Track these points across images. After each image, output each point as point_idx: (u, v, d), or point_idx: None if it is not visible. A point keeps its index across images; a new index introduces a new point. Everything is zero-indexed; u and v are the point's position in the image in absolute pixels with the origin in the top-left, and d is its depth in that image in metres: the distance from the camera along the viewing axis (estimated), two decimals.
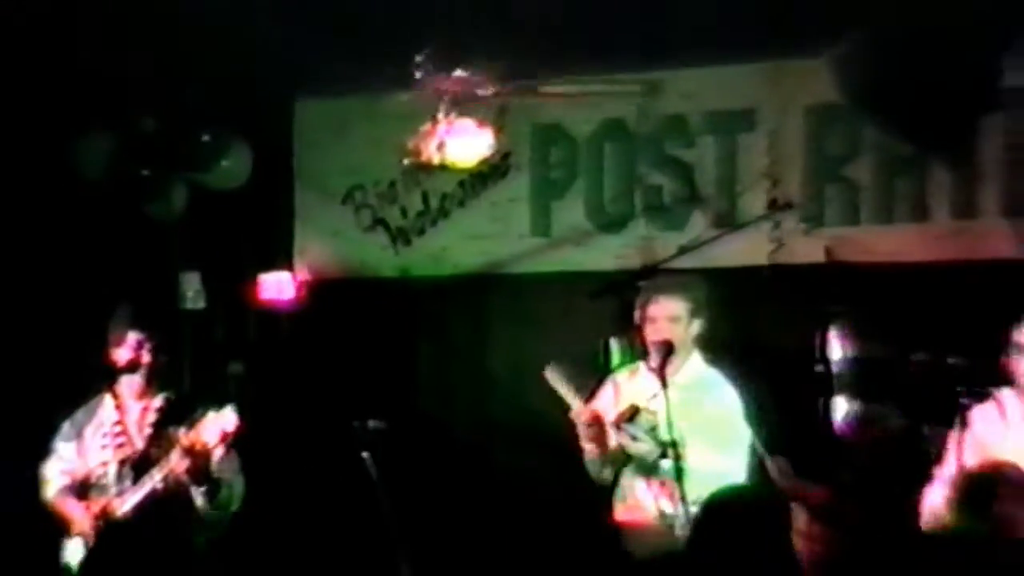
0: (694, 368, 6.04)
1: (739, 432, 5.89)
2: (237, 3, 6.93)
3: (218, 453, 5.85)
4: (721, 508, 4.27)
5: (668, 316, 5.97)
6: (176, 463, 5.79)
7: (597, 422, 5.94)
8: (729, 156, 7.45)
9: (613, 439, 5.94)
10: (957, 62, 6.03)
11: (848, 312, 6.68)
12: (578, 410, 5.97)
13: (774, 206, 7.11)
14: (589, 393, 6.07)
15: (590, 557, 6.22)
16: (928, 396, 6.07)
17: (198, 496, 5.79)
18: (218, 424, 5.80)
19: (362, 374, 7.52)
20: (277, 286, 7.91)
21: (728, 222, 7.27)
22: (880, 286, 6.85)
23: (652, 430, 5.84)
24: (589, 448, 5.98)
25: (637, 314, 6.13)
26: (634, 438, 5.88)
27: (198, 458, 5.77)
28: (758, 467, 5.85)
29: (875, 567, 5.70)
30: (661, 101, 7.49)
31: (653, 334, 5.98)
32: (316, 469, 7.36)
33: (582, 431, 5.97)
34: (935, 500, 5.51)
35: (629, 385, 6.12)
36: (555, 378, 5.96)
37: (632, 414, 5.89)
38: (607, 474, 6.01)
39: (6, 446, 6.76)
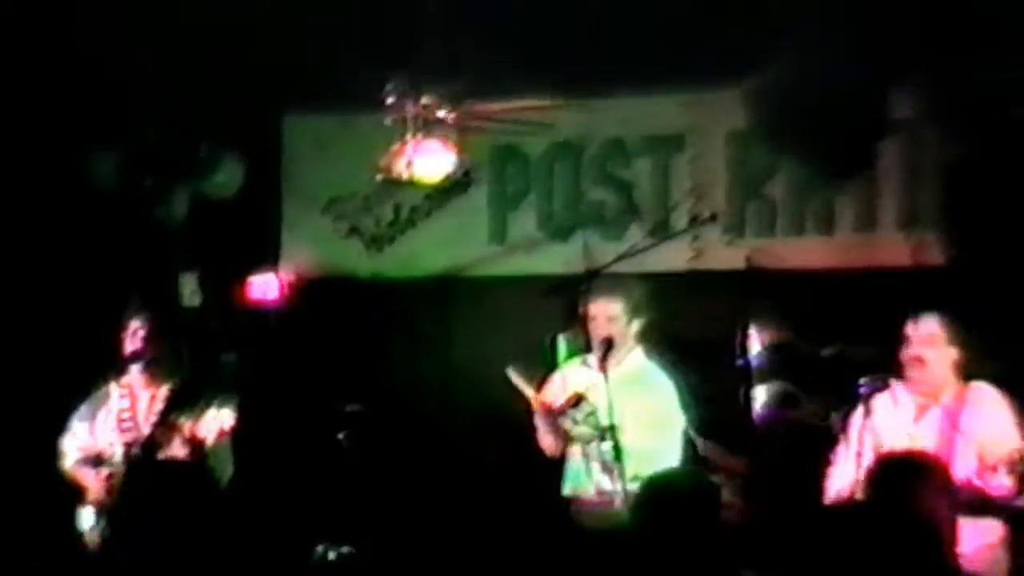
0: (635, 361, 6.16)
1: (674, 417, 6.06)
2: (234, 31, 6.99)
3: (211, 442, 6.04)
4: (658, 489, 4.32)
5: (608, 315, 6.10)
6: (177, 452, 5.96)
7: (546, 409, 6.10)
8: (662, 175, 7.61)
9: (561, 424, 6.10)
10: (855, 97, 6.10)
11: (765, 312, 6.78)
12: (531, 399, 6.09)
13: (700, 219, 7.22)
14: (540, 384, 6.19)
15: (542, 528, 6.33)
16: (834, 385, 6.20)
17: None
18: (217, 421, 6.00)
19: (340, 365, 7.59)
20: (265, 286, 7.98)
21: (661, 232, 7.39)
22: (793, 290, 6.98)
23: (592, 415, 5.97)
24: (542, 432, 6.14)
25: (581, 313, 6.26)
26: (575, 422, 6.00)
27: (196, 448, 5.96)
28: (690, 447, 6.06)
29: (784, 533, 5.70)
30: (602, 126, 7.68)
31: (595, 330, 6.12)
32: (299, 448, 7.41)
33: (536, 418, 6.12)
34: (837, 477, 5.67)
35: (575, 376, 6.23)
36: (515, 374, 6.07)
37: (576, 401, 6.02)
38: (557, 453, 6.15)
39: (32, 422, 6.84)
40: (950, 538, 4.33)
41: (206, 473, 5.57)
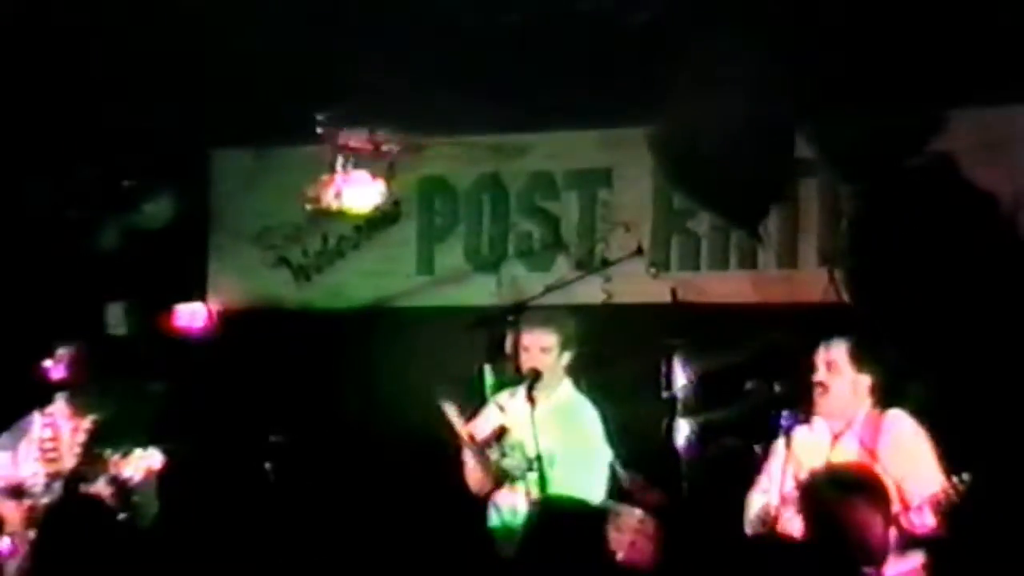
0: (564, 392, 6.09)
1: (600, 449, 5.98)
2: (167, 67, 6.92)
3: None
4: (549, 515, 4.34)
5: (541, 346, 6.00)
6: (102, 489, 5.83)
7: (474, 442, 6.00)
8: (589, 208, 7.57)
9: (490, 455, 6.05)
10: (758, 142, 6.12)
11: (690, 345, 6.68)
12: (461, 432, 5.97)
13: (627, 253, 7.08)
14: (471, 415, 6.11)
15: (465, 555, 6.16)
16: (756, 418, 6.02)
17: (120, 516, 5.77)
18: (146, 461, 5.89)
19: (266, 396, 7.48)
20: (191, 316, 7.95)
21: (587, 265, 7.33)
22: (717, 324, 6.93)
23: (518, 447, 5.88)
24: (470, 466, 6.03)
25: (510, 344, 6.18)
26: (503, 454, 5.93)
27: (122, 488, 5.83)
28: (614, 479, 5.96)
29: (703, 561, 5.48)
30: (530, 160, 7.65)
31: (527, 362, 6.02)
32: (225, 480, 7.19)
33: (464, 452, 6.01)
34: (757, 505, 5.61)
35: (507, 407, 6.14)
36: (447, 406, 5.97)
37: (500, 433, 5.95)
38: (486, 485, 6.00)
39: None
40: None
41: (131, 513, 5.75)
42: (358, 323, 7.82)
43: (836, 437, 5.57)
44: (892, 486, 5.22)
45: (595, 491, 5.81)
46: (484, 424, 6.13)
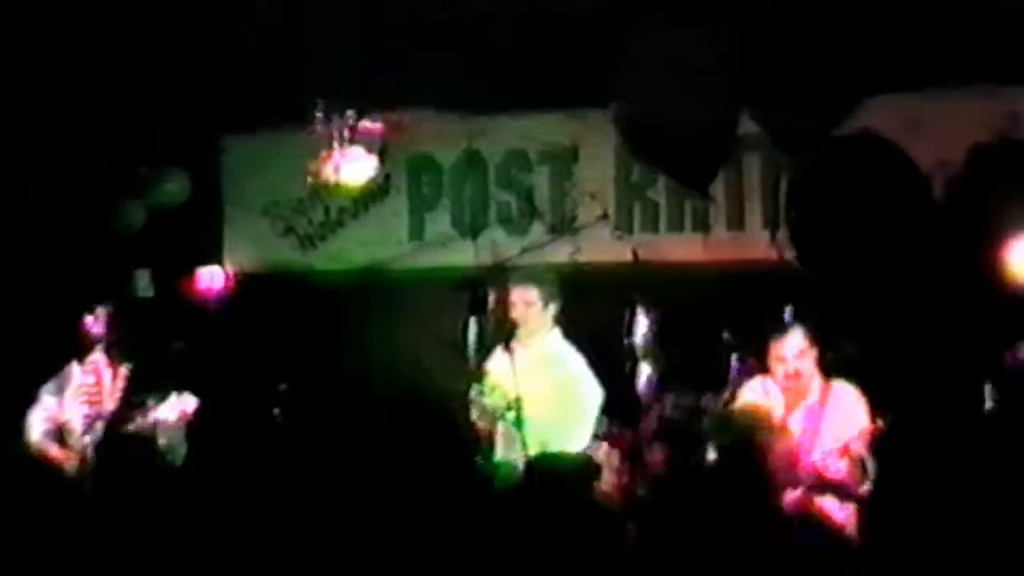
0: (551, 341, 6.12)
1: (586, 393, 6.00)
2: (180, 63, 7.02)
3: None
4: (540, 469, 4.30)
5: (525, 300, 6.07)
6: (143, 427, 6.00)
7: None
8: (559, 180, 7.70)
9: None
10: (707, 117, 6.15)
11: (650, 299, 6.58)
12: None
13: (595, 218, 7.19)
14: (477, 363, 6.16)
15: (457, 508, 5.93)
16: (708, 365, 6.21)
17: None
18: (180, 405, 6.07)
19: (276, 349, 7.47)
20: (210, 279, 7.97)
21: (560, 230, 7.42)
22: (675, 280, 6.98)
23: (497, 388, 5.90)
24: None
25: (492, 300, 6.14)
26: (482, 394, 5.96)
27: (156, 428, 5.94)
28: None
29: (669, 497, 5.71)
30: (506, 139, 7.74)
31: (513, 315, 6.06)
32: (239, 423, 6.59)
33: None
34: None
35: (502, 354, 6.11)
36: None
37: (481, 376, 6.00)
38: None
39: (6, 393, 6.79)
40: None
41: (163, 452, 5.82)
42: (357, 284, 7.89)
43: (789, 408, 5.60)
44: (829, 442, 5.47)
45: (583, 431, 5.86)
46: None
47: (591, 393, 6.00)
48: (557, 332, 6.16)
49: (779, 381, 5.63)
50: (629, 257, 6.92)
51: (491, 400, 5.94)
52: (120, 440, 5.79)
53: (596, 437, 5.94)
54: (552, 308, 6.13)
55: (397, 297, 7.78)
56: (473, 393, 5.99)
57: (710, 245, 7.33)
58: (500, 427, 5.91)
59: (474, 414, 5.93)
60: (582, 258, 7.29)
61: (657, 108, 6.22)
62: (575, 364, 6.08)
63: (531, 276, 6.25)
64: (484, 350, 6.18)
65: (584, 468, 4.51)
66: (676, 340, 6.63)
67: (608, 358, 6.51)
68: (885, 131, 6.56)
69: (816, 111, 6.25)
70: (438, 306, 7.14)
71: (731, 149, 6.78)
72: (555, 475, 4.07)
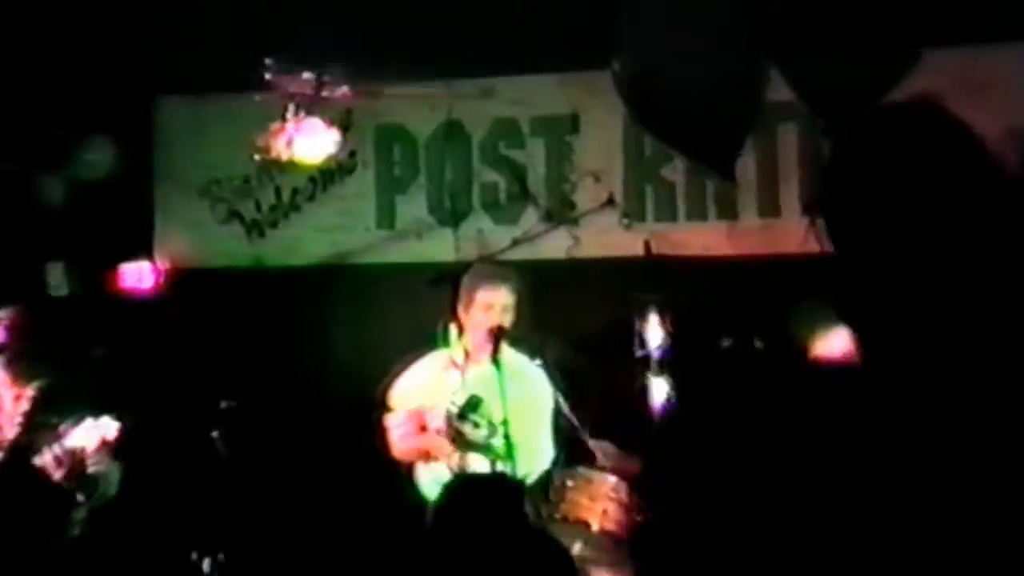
0: (508, 353, 5.99)
1: (545, 409, 5.96)
2: (101, 6, 6.94)
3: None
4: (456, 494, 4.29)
5: (503, 304, 5.98)
6: (52, 468, 5.65)
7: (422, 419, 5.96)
8: (557, 157, 7.55)
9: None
10: (731, 80, 5.84)
11: (665, 301, 6.61)
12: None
13: (600, 203, 7.14)
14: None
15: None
16: (737, 378, 6.17)
17: (78, 495, 5.72)
18: (98, 431, 5.72)
19: (218, 358, 7.38)
20: (137, 275, 7.80)
21: (556, 216, 7.33)
22: (696, 278, 6.87)
23: (485, 415, 5.81)
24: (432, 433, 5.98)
25: (464, 301, 6.11)
26: (476, 425, 5.84)
27: (75, 464, 5.67)
28: (576, 442, 5.94)
29: (685, 536, 5.71)
30: (493, 106, 7.58)
31: (489, 320, 5.96)
32: (174, 448, 7.04)
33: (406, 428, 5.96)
34: None
35: (466, 369, 6.05)
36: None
37: (475, 404, 5.86)
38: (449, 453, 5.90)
39: None
40: None
41: (84, 485, 5.66)
42: (315, 280, 7.77)
43: None
44: None
45: (545, 453, 5.86)
46: (422, 393, 6.02)
47: (548, 399, 5.96)
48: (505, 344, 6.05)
49: None
50: (640, 251, 6.84)
51: (483, 431, 5.79)
52: (20, 477, 5.56)
53: (600, 469, 5.81)
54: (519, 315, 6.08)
55: (364, 297, 7.66)
56: (455, 419, 5.87)
57: (738, 235, 7.16)
58: (473, 456, 5.81)
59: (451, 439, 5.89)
60: (583, 252, 7.25)
61: (667, 67, 5.85)
62: (537, 379, 6.01)
63: (509, 275, 6.14)
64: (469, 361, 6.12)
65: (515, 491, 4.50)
66: (697, 350, 6.56)
67: (615, 373, 6.52)
68: (944, 92, 6.41)
69: (863, 71, 5.89)
70: (412, 308, 7.11)
71: (760, 118, 6.37)
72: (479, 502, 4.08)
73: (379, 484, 6.29)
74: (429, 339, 6.56)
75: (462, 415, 5.88)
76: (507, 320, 5.97)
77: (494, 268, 6.35)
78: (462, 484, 4.55)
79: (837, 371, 4.80)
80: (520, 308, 6.05)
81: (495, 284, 6.04)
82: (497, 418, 5.73)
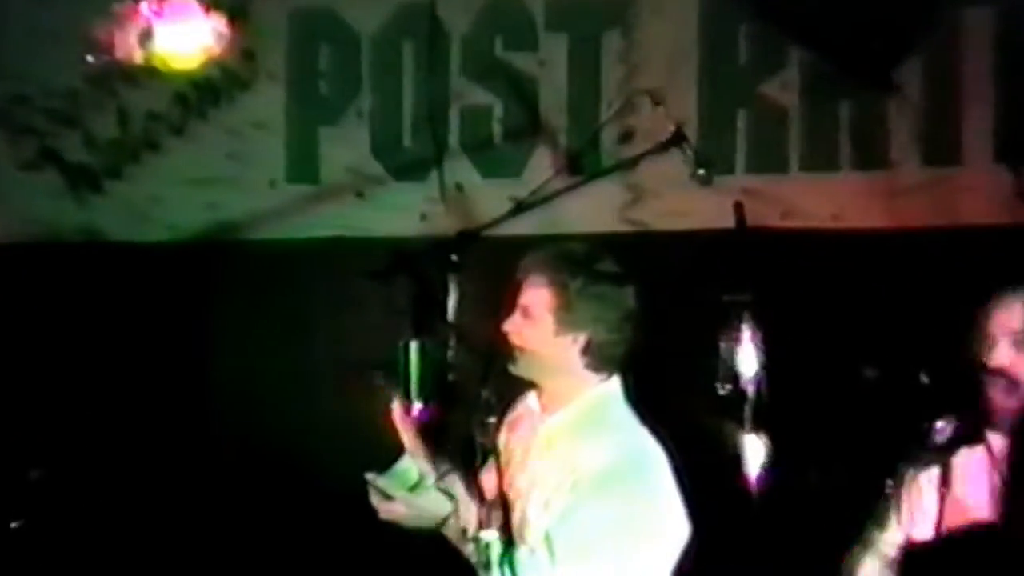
0: (592, 395, 5.29)
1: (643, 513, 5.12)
2: None
3: None
4: None
5: (529, 302, 5.29)
6: None
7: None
8: (589, 65, 7.37)
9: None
10: None
11: (766, 302, 6.41)
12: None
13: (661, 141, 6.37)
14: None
15: None
16: (883, 431, 5.76)
17: None
18: None
19: (23, 391, 7.31)
20: None
21: (586, 166, 7.00)
22: (814, 262, 6.82)
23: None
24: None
25: (455, 299, 5.98)
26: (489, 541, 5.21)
27: None
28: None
29: None
30: None
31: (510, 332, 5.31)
32: None
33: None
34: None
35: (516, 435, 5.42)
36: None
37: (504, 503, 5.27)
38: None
39: None
40: None
41: None
42: (183, 266, 7.56)
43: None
44: None
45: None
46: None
47: (661, 522, 5.16)
48: (595, 379, 5.28)
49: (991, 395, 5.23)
50: (726, 221, 6.56)
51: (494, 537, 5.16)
52: None
53: None
54: (581, 318, 5.29)
55: (263, 291, 7.47)
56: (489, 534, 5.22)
57: (890, 195, 7.04)
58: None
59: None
60: (630, 222, 7.16)
61: None
62: (632, 443, 5.24)
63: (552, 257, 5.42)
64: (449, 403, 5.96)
65: None
66: (820, 388, 6.55)
67: (682, 423, 5.75)
68: None
69: None
70: (346, 312, 7.20)
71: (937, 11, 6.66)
72: None
73: None
74: (376, 362, 6.21)
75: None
76: (539, 333, 5.19)
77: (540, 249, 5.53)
78: None
79: None
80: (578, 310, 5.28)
81: (531, 274, 5.34)
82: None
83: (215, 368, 7.62)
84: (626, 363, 5.33)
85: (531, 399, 5.39)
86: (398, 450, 5.34)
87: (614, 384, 5.23)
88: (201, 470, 7.50)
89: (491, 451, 5.34)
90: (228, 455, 7.49)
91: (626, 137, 7.18)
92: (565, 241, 5.46)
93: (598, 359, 5.20)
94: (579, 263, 5.25)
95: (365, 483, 5.21)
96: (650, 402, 5.54)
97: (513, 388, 5.40)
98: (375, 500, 5.20)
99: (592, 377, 5.21)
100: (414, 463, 5.24)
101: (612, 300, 5.24)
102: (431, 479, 5.23)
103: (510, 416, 5.38)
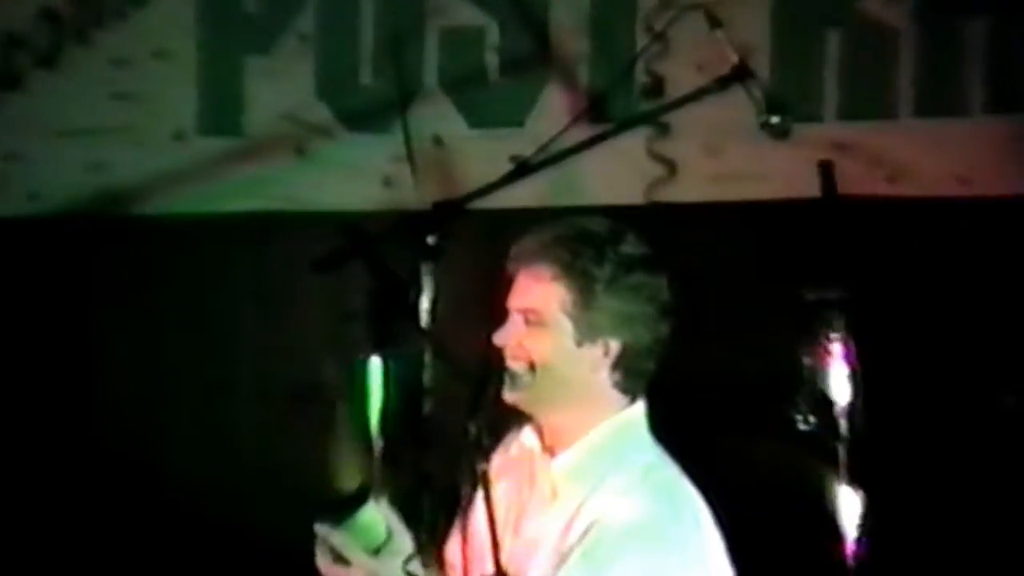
0: (606, 431, 4.96)
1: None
2: None
3: None
4: None
5: (531, 298, 4.96)
6: None
7: None
8: None
9: None
10: None
11: (865, 302, 6.00)
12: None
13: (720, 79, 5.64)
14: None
15: None
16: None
17: None
18: None
19: None
20: None
21: (614, 107, 6.59)
22: (933, 244, 6.58)
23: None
24: None
25: (428, 299, 5.27)
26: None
27: None
28: None
29: None
30: None
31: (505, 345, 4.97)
32: None
33: None
34: None
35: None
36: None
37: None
38: None
39: None
40: None
41: None
42: (52, 246, 7.32)
43: None
44: None
45: None
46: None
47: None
48: (622, 399, 5.03)
49: None
50: (808, 188, 6.24)
51: None
52: None
53: None
54: (612, 319, 4.97)
55: (167, 290, 7.22)
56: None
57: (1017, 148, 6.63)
58: None
59: None
60: (679, 188, 6.87)
61: None
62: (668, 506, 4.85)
63: (549, 238, 5.04)
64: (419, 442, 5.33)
65: None
66: (940, 419, 6.39)
67: (747, 472, 6.26)
68: None
69: None
70: (283, 314, 7.04)
71: None
72: None
73: None
74: (320, 380, 6.63)
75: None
76: (547, 341, 4.85)
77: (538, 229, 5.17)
78: None
79: None
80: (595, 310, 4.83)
81: (528, 261, 4.99)
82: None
83: (96, 386, 7.40)
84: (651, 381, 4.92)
85: (526, 436, 4.93)
86: (357, 494, 4.83)
87: (639, 410, 4.80)
88: (79, 519, 7.17)
89: (487, 504, 4.68)
90: (111, 506, 7.17)
91: None
92: (579, 215, 4.95)
93: (630, 375, 4.76)
94: (602, 244, 4.82)
95: (311, 537, 4.70)
96: (696, 439, 5.08)
97: (500, 421, 4.99)
98: (323, 562, 4.76)
99: (618, 400, 4.81)
100: (382, 514, 4.79)
101: (648, 293, 4.81)
102: (406, 548, 4.72)
103: (496, 460, 4.94)
